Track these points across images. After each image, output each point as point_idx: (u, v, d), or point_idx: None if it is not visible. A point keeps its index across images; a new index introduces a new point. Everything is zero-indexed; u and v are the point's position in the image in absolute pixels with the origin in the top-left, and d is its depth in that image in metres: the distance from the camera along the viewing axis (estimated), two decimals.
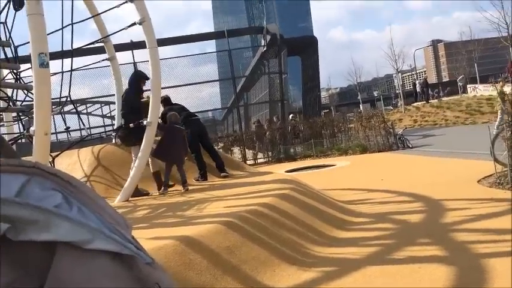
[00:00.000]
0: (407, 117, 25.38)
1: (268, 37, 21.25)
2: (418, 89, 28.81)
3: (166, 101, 8.37)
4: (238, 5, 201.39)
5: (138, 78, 7.12)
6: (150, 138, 6.93)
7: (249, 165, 15.01)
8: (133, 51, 18.31)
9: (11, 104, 6.42)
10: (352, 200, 6.41)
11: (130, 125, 6.75)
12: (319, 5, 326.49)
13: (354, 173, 9.97)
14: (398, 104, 50.28)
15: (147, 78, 7.03)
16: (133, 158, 6.84)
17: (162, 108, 8.03)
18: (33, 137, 4.64)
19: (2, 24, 6.49)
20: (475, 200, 5.30)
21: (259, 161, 16.83)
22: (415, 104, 27.78)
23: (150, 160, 6.95)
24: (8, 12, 6.30)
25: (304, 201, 5.29)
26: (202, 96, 23.57)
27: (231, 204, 4.91)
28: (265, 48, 20.99)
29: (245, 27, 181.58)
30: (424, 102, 26.73)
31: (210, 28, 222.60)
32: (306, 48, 29.32)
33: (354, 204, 6.11)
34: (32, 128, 4.60)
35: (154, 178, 7.14)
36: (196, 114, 9.11)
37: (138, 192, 6.89)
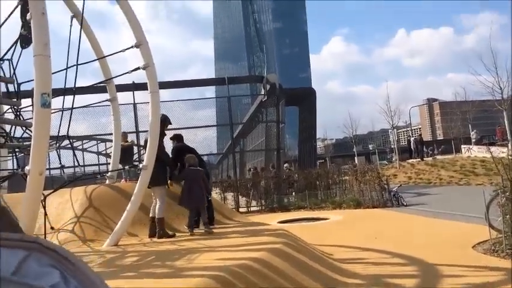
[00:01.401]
0: (401, 173, 25.43)
1: (268, 86, 21.63)
2: (412, 146, 29.07)
3: (178, 137, 8.32)
4: (240, 53, 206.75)
5: (162, 122, 7.21)
6: (145, 182, 6.88)
7: (242, 213, 14.86)
8: (134, 92, 18.54)
9: (8, 140, 6.38)
10: (346, 258, 6.28)
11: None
12: (317, 58, 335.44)
13: (348, 228, 9.86)
14: (393, 159, 50.67)
15: (171, 123, 7.46)
16: (154, 200, 7.04)
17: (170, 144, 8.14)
18: (28, 176, 4.58)
19: (7, 61, 6.59)
20: (470, 268, 5.21)
21: (253, 209, 16.66)
22: (409, 161, 27.93)
23: (158, 205, 6.94)
24: (14, 49, 6.42)
25: (296, 257, 5.18)
26: (198, 140, 23.56)
27: (222, 257, 4.79)
28: (265, 98, 21.30)
29: (245, 75, 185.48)
30: (419, 159, 26.90)
31: (209, 73, 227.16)
32: (304, 99, 29.82)
33: (348, 263, 5.98)
34: (27, 167, 4.55)
35: (158, 223, 6.92)
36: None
37: (165, 233, 6.86)
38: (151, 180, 6.90)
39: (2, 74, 6.63)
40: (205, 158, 37.20)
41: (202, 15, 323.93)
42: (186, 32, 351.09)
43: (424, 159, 27.03)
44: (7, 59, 6.38)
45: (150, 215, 7.10)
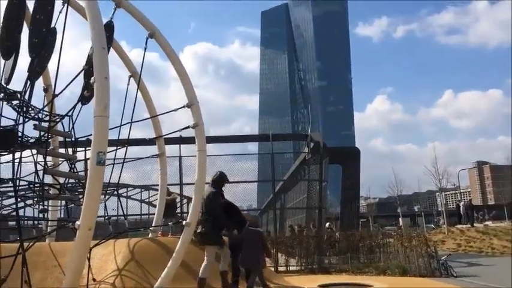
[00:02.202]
0: (450, 239, 24.19)
1: (312, 144, 21.65)
2: (462, 211, 27.76)
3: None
4: (284, 109, 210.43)
5: (220, 179, 7.63)
6: (187, 239, 6.91)
7: (280, 272, 14.47)
8: (181, 145, 19.04)
9: (61, 191, 6.66)
10: None
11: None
12: (361, 115, 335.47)
13: None
14: (440, 223, 48.45)
15: (228, 181, 7.84)
16: (206, 257, 7.28)
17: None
18: (77, 231, 4.72)
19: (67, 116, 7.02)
20: None
21: (292, 268, 16.21)
22: (459, 227, 26.61)
23: (222, 257, 7.32)
24: (74, 107, 6.84)
25: None
26: (238, 191, 23.55)
27: None
28: (309, 157, 21.28)
29: (289, 130, 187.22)
30: (469, 225, 25.60)
31: (252, 126, 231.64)
32: (347, 158, 29.53)
33: None
34: (77, 222, 4.70)
35: (220, 278, 7.31)
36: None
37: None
38: (205, 238, 7.24)
39: (61, 129, 7.04)
40: (244, 212, 37.07)
41: (248, 71, 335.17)
42: (231, 87, 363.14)
43: (475, 225, 25.68)
44: (68, 115, 6.79)
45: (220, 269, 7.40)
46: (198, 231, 7.29)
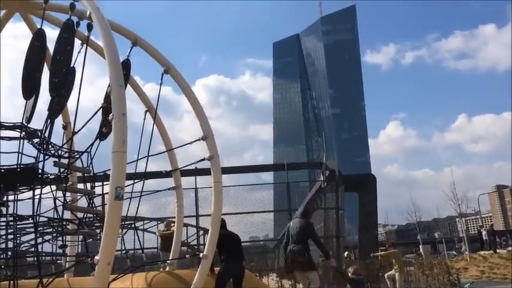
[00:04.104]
0: (473, 266, 23.51)
1: (327, 172, 21.58)
2: (484, 237, 27.07)
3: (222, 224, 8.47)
4: (298, 137, 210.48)
5: (308, 212, 8.71)
6: (204, 271, 6.89)
7: None
8: (196, 177, 19.18)
9: (80, 227, 6.74)
10: None
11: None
12: (375, 142, 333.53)
13: None
14: (462, 249, 47.15)
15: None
16: (301, 284, 8.05)
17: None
18: (96, 266, 4.76)
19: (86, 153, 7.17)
20: None
21: None
22: (481, 253, 25.90)
23: (312, 283, 7.75)
24: (93, 143, 7.01)
25: None
26: (254, 221, 23.42)
27: None
28: (324, 185, 21.18)
29: (303, 158, 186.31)
30: (492, 251, 24.89)
31: (265, 156, 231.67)
32: (363, 185, 29.27)
33: None
34: (96, 257, 4.75)
35: None
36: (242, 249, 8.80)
37: None
38: (304, 265, 7.77)
39: (80, 164, 7.19)
40: (261, 243, 36.68)
41: (260, 101, 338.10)
42: (244, 117, 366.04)
43: (498, 251, 24.96)
44: (87, 152, 6.94)
45: None
46: (292, 259, 7.89)
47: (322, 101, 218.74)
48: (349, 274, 9.02)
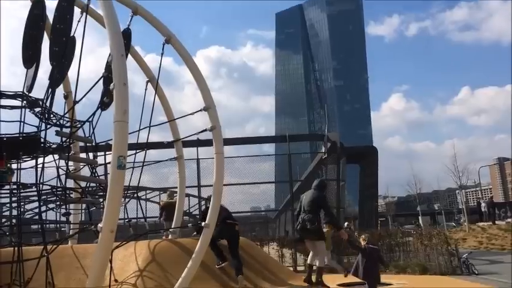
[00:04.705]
0: (471, 237, 23.85)
1: (329, 144, 21.63)
2: (483, 209, 27.33)
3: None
4: (300, 109, 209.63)
5: (323, 187, 8.70)
6: (206, 240, 7.01)
7: (299, 271, 14.48)
8: (198, 148, 19.25)
9: (83, 195, 6.83)
10: None
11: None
12: (376, 114, 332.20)
13: None
14: (461, 220, 47.69)
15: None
16: (311, 251, 8.36)
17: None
18: (100, 233, 4.85)
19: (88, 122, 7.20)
20: None
21: None
22: (480, 224, 26.22)
23: (319, 252, 8.19)
24: (94, 113, 7.02)
25: None
26: (256, 193, 23.62)
27: None
28: (325, 156, 21.26)
29: (305, 130, 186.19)
30: (490, 223, 25.19)
31: (267, 127, 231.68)
32: (365, 157, 29.42)
33: None
34: (99, 225, 4.84)
35: (312, 270, 8.24)
36: (236, 218, 9.08)
37: (321, 282, 8.06)
38: (310, 233, 8.04)
39: (82, 134, 7.22)
40: (263, 213, 37.03)
41: (261, 73, 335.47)
42: (245, 89, 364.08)
43: (497, 222, 25.26)
44: (88, 121, 6.97)
45: (308, 262, 8.43)
46: (302, 227, 8.12)
47: (324, 73, 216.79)
48: (362, 242, 9.07)
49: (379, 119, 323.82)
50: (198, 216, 17.64)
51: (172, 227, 9.16)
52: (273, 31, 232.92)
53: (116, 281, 7.52)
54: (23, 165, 6.89)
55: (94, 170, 7.14)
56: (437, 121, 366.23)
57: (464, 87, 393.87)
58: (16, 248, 6.17)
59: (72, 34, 6.50)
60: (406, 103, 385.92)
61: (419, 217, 50.36)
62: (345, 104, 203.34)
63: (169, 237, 9.38)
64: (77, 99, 6.35)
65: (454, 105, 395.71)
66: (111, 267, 7.11)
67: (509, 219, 28.15)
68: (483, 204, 27.69)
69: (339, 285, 10.92)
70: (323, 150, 22.07)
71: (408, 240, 16.16)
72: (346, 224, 22.48)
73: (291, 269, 13.66)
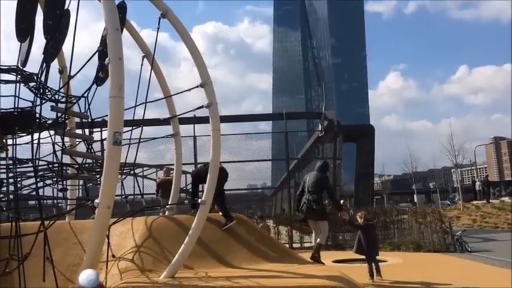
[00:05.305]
0: (465, 215, 24.14)
1: (326, 122, 21.60)
2: (478, 187, 27.56)
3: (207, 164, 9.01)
4: (297, 87, 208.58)
5: (326, 168, 9.02)
6: (203, 216, 7.03)
7: (295, 248, 14.66)
8: (195, 125, 19.19)
9: (79, 171, 6.81)
10: None
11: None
12: (374, 93, 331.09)
13: (408, 273, 9.42)
14: (456, 199, 48.13)
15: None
16: (314, 231, 8.66)
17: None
18: (96, 209, 4.85)
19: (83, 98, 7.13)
20: None
21: (306, 245, 16.44)
22: (474, 203, 26.49)
23: (321, 231, 8.45)
24: (90, 88, 6.94)
25: None
26: (251, 170, 23.67)
27: None
28: (322, 134, 21.25)
29: (302, 108, 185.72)
30: (485, 201, 25.45)
31: (264, 105, 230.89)
32: (362, 135, 29.45)
33: None
34: (96, 201, 4.83)
35: (315, 248, 8.46)
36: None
37: (318, 259, 8.25)
38: (314, 213, 8.30)
39: (77, 110, 7.16)
40: (259, 191, 37.18)
41: (258, 50, 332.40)
42: (242, 66, 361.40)
43: (491, 201, 25.51)
44: (84, 97, 6.89)
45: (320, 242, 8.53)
46: (308, 207, 8.36)
47: (323, 51, 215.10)
48: (359, 220, 9.40)
49: (376, 97, 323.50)
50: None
51: (169, 203, 9.18)
52: (271, 7, 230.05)
53: (113, 256, 7.58)
54: (19, 141, 6.84)
55: (90, 146, 7.10)
56: (434, 100, 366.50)
57: (462, 66, 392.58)
58: (14, 223, 6.18)
59: (66, 7, 6.36)
60: (403, 82, 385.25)
61: (415, 195, 50.78)
62: (343, 83, 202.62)
63: (166, 213, 9.42)
64: (72, 74, 6.27)
65: (451, 84, 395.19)
66: (108, 242, 7.16)
67: (503, 198, 28.45)
68: (478, 183, 27.92)
69: (334, 261, 11.07)
70: (320, 128, 22.04)
71: (403, 218, 16.31)
72: (342, 201, 22.67)
73: (287, 246, 13.81)
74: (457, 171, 34.99)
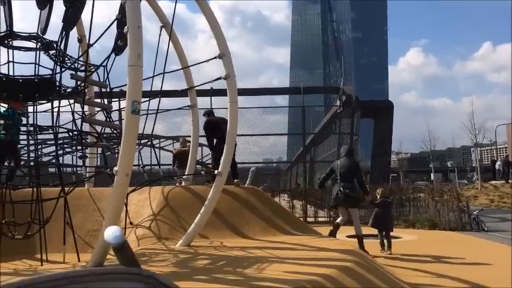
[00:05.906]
0: (483, 195, 23.86)
1: (344, 98, 21.33)
2: (498, 167, 27.08)
3: (210, 113, 9.49)
4: (316, 62, 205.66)
5: (353, 153, 9.50)
6: (219, 188, 7.10)
7: (309, 223, 14.75)
8: (212, 97, 19.11)
9: (98, 139, 6.89)
10: (420, 284, 6.02)
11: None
12: (393, 69, 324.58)
13: (422, 249, 9.42)
14: (474, 178, 47.58)
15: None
16: (341, 216, 8.96)
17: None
18: (115, 176, 4.92)
19: (102, 67, 7.14)
20: None
21: (320, 219, 16.52)
22: (493, 182, 26.12)
23: (354, 220, 8.82)
24: (109, 57, 6.94)
25: (367, 278, 5.06)
26: (267, 145, 23.63)
27: (292, 270, 4.81)
28: (340, 110, 21.03)
29: (320, 83, 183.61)
30: (504, 182, 25.06)
31: (281, 79, 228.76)
32: (380, 112, 29.04)
33: None
34: (115, 168, 4.90)
35: (335, 227, 8.79)
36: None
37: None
38: (352, 201, 8.66)
39: (97, 79, 7.19)
40: (274, 165, 37.23)
41: (276, 23, 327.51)
42: (259, 39, 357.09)
43: (510, 181, 25.12)
44: (102, 65, 6.90)
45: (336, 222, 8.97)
46: (346, 194, 8.62)
47: (342, 24, 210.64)
48: (377, 197, 9.53)
49: (395, 73, 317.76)
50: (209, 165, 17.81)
51: (186, 174, 9.27)
52: None
53: (131, 223, 7.75)
54: (39, 109, 6.93)
55: (109, 115, 7.16)
56: (455, 77, 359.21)
57: (486, 42, 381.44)
58: (35, 188, 6.33)
59: None
60: (424, 58, 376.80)
61: (432, 174, 50.34)
62: (362, 57, 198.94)
63: (183, 184, 9.53)
64: (91, 42, 6.26)
65: (473, 61, 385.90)
66: (126, 210, 7.31)
67: None
68: (498, 163, 27.42)
69: (348, 236, 11.11)
70: (338, 103, 21.80)
71: (419, 196, 16.19)
72: None
73: (302, 219, 13.90)
74: (477, 150, 34.41)
